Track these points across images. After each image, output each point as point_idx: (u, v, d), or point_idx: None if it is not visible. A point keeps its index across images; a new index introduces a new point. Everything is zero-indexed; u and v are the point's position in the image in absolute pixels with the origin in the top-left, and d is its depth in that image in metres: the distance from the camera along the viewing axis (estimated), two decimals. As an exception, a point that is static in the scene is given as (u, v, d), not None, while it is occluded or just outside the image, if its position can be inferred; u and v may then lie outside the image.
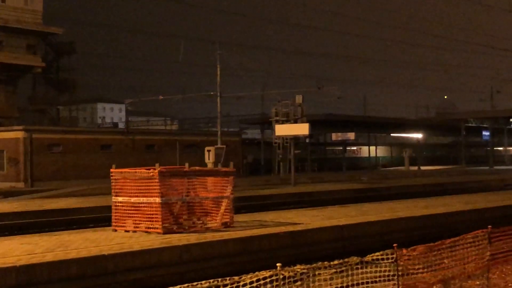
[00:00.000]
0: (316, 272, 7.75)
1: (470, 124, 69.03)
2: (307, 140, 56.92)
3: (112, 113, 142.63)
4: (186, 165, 15.23)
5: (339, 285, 7.88)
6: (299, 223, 16.08)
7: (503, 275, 10.57)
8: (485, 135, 70.10)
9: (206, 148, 33.90)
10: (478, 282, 9.71)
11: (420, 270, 8.76)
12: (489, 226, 9.94)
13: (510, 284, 10.35)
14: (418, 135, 71.84)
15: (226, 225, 15.17)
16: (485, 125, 68.48)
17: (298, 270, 7.45)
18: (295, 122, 35.55)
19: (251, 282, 6.92)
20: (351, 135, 61.60)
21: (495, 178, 43.33)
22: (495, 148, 76.09)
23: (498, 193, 28.70)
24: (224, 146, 36.14)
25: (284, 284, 7.24)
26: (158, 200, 14.04)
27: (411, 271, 8.65)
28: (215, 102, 43.49)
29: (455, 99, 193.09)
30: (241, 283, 6.84)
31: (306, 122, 34.92)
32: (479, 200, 23.37)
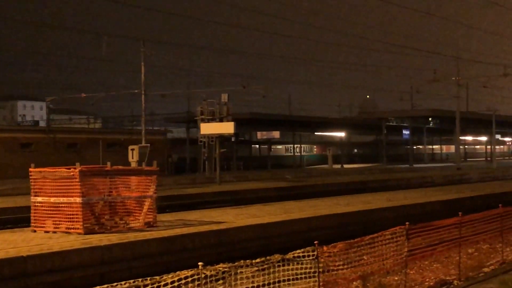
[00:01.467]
0: (238, 271, 7.78)
1: (391, 123, 70.72)
2: (233, 139, 56.98)
3: (33, 111, 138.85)
4: (108, 164, 15.00)
5: (261, 283, 7.94)
6: (223, 222, 16.09)
7: (420, 270, 10.85)
8: (405, 134, 71.97)
9: (130, 147, 33.42)
10: (396, 278, 9.94)
11: (341, 267, 8.91)
12: (407, 223, 10.20)
13: (427, 279, 10.64)
14: (341, 134, 73.13)
15: (149, 225, 15.02)
16: (405, 124, 70.30)
17: (220, 268, 7.45)
18: (221, 120, 35.52)
19: (172, 282, 6.88)
20: (276, 134, 62.09)
21: (414, 175, 44.56)
22: (415, 147, 78.31)
23: (417, 190, 29.55)
24: (149, 145, 35.73)
25: (206, 283, 7.23)
26: (78, 200, 13.77)
27: (331, 267, 8.78)
28: (140, 100, 42.99)
29: (377, 98, 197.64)
30: (162, 283, 6.79)
31: (232, 121, 34.95)
32: (399, 197, 24.00)
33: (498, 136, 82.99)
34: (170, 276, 6.89)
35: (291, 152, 72.77)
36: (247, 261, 7.71)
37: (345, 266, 9.00)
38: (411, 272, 10.43)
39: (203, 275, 7.11)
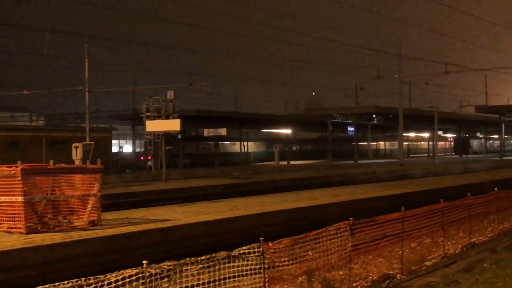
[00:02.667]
0: (184, 268, 7.74)
1: (336, 120, 71.53)
2: (179, 136, 56.68)
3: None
4: (51, 162, 14.75)
5: (206, 280, 7.93)
6: (169, 220, 16.00)
7: (364, 265, 11.00)
8: (350, 130, 72.93)
9: (74, 145, 32.91)
10: (341, 272, 10.05)
11: (286, 263, 8.97)
12: (351, 218, 10.34)
13: (371, 273, 10.80)
14: (288, 131, 73.60)
15: (94, 224, 14.81)
16: (350, 121, 71.19)
17: (165, 266, 7.41)
18: (167, 118, 35.32)
19: (116, 281, 6.80)
20: (223, 131, 62.08)
21: (359, 171, 45.17)
22: (359, 143, 79.38)
23: (362, 186, 29.97)
24: (93, 142, 35.24)
25: (151, 281, 7.17)
26: (20, 199, 13.48)
27: (277, 263, 8.83)
28: (84, 97, 42.41)
29: (322, 95, 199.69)
30: (106, 282, 6.71)
31: (178, 118, 34.79)
32: (343, 193, 24.29)
33: (440, 133, 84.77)
34: (114, 275, 6.81)
35: (238, 149, 72.83)
36: (192, 258, 7.69)
37: (291, 262, 9.07)
38: (355, 266, 10.57)
39: (147, 274, 7.05)
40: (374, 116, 71.99)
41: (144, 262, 7.07)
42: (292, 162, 64.81)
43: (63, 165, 15.64)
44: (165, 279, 7.63)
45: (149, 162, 59.97)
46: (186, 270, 7.76)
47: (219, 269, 8.02)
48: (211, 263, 7.93)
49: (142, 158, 62.39)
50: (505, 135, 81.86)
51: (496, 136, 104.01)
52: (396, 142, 71.73)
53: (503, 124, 73.88)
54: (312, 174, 42.32)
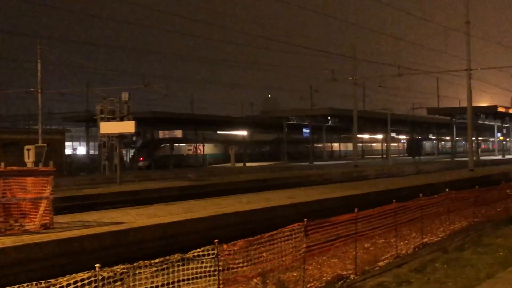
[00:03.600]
0: (137, 271, 7.68)
1: (292, 122, 71.87)
2: (134, 138, 56.22)
3: None
4: (2, 165, 14.48)
5: (160, 283, 7.88)
6: (123, 223, 15.86)
7: (318, 266, 11.06)
8: (305, 132, 73.37)
9: (26, 147, 32.28)
10: (295, 274, 10.10)
11: (240, 265, 8.97)
12: (305, 220, 10.41)
13: (325, 274, 10.87)
14: (244, 133, 73.66)
15: (46, 227, 14.59)
16: (305, 123, 71.63)
17: (118, 270, 7.33)
18: (122, 119, 34.95)
19: (68, 285, 6.71)
20: (178, 133, 61.80)
21: (314, 173, 45.46)
22: (315, 145, 79.93)
23: (317, 187, 30.18)
24: (45, 144, 34.66)
25: (103, 285, 7.10)
26: (-30, 202, 13.19)
27: (231, 265, 8.83)
28: (37, 99, 41.70)
29: (278, 97, 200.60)
30: (57, 286, 6.61)
31: (133, 120, 34.47)
32: (298, 195, 24.43)
33: (393, 134, 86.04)
34: (65, 278, 6.72)
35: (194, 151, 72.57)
36: (146, 261, 7.64)
37: (245, 264, 9.08)
38: (310, 267, 10.63)
39: (100, 277, 6.98)
40: (329, 118, 72.57)
41: (96, 265, 6.99)
42: (248, 164, 64.86)
43: (14, 167, 15.36)
44: (118, 283, 7.55)
45: (140, 163, 61.34)
46: (140, 273, 7.70)
47: (173, 271, 7.99)
48: (164, 266, 7.88)
49: (141, 159, 63.91)
50: (456, 137, 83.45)
51: (448, 138, 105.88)
52: (351, 143, 72.44)
53: (454, 126, 75.27)
54: (268, 175, 42.44)
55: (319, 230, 10.88)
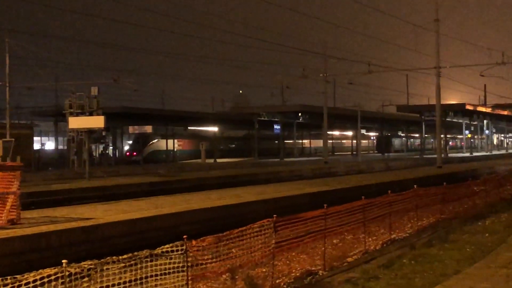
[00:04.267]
0: (105, 267, 7.62)
1: (262, 118, 71.92)
2: (104, 133, 55.78)
3: None
4: (-32, 159, 14.24)
5: (128, 279, 7.83)
6: (92, 218, 15.73)
7: (287, 262, 11.09)
8: (276, 128, 73.44)
9: (-7, 142, 31.91)
10: (264, 269, 10.12)
11: (209, 261, 8.96)
12: (274, 216, 10.42)
13: (294, 270, 10.91)
14: (215, 128, 73.50)
15: (13, 222, 14.40)
16: (276, 119, 71.75)
17: (85, 266, 7.27)
18: (91, 114, 34.63)
19: (35, 281, 6.64)
20: (148, 128, 61.45)
21: (284, 169, 45.58)
22: (285, 141, 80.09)
23: (287, 184, 30.27)
24: (13, 139, 34.23)
25: (71, 281, 7.03)
26: None
27: (200, 261, 8.82)
28: (4, 93, 41.15)
29: (249, 94, 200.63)
30: (24, 282, 6.54)
31: (102, 115, 34.16)
32: (268, 191, 24.48)
33: (363, 131, 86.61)
34: (32, 274, 6.65)
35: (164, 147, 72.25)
36: (114, 257, 7.59)
37: (214, 260, 9.07)
38: (279, 263, 10.66)
39: (67, 273, 6.91)
40: (300, 114, 72.76)
41: (63, 261, 6.92)
42: (219, 160, 64.76)
43: (-20, 162, 15.14)
44: (86, 279, 7.49)
45: (133, 158, 63.17)
46: (107, 269, 7.65)
47: (141, 268, 7.95)
48: (133, 262, 7.84)
49: (134, 153, 66.56)
50: (425, 134, 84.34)
51: (416, 135, 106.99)
52: (321, 140, 72.76)
53: (423, 123, 76.02)
54: (238, 172, 42.43)
55: (288, 226, 10.91)
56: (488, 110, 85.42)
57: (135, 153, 66.90)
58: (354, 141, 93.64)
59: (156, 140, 68.31)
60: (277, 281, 10.23)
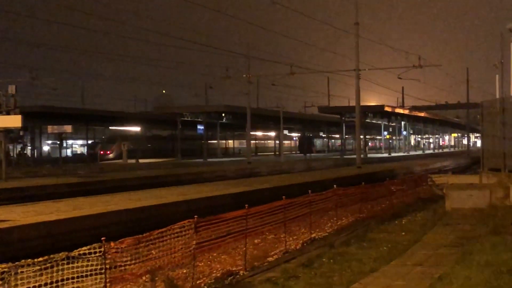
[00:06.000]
0: (19, 271, 7.43)
1: (186, 118, 71.61)
2: (21, 133, 54.25)
3: None
4: None
5: (43, 282, 7.65)
6: (7, 221, 15.27)
7: (209, 262, 11.10)
8: (199, 128, 73.28)
9: None
10: (185, 271, 10.08)
11: (128, 262, 8.86)
12: (195, 216, 10.41)
13: (215, 271, 10.92)
14: (137, 128, 72.66)
15: None
16: (200, 120, 71.59)
17: (-1, 269, 7.07)
18: (8, 113, 33.58)
19: None
20: (68, 128, 60.02)
21: (207, 170, 45.49)
22: (209, 142, 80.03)
23: (210, 184, 30.24)
24: None
25: (-17, 285, 6.83)
26: None
27: (119, 263, 8.70)
28: None
29: (173, 93, 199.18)
30: None
31: (19, 114, 33.20)
32: (191, 191, 24.40)
33: (285, 132, 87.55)
34: None
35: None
36: (29, 260, 7.40)
37: (134, 262, 8.97)
38: (200, 264, 10.65)
39: (-21, 277, 6.69)
40: (223, 115, 72.86)
41: (-25, 265, 6.70)
42: (141, 160, 63.99)
43: None
44: (0, 282, 7.28)
45: (110, 155, 64.69)
46: (22, 272, 7.45)
47: (58, 270, 7.78)
48: (49, 265, 7.66)
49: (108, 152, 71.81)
50: (345, 135, 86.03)
51: (337, 136, 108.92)
52: (245, 140, 73.08)
53: (343, 124, 77.52)
54: (160, 172, 42.06)
55: (210, 227, 10.91)
56: (406, 111, 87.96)
57: (108, 152, 71.99)
58: (277, 142, 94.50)
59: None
60: (197, 282, 10.22)
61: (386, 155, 79.49)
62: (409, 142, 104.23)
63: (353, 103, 55.88)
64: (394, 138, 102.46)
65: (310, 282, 10.44)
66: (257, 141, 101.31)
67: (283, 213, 13.77)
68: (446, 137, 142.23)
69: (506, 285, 9.08)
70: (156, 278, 9.32)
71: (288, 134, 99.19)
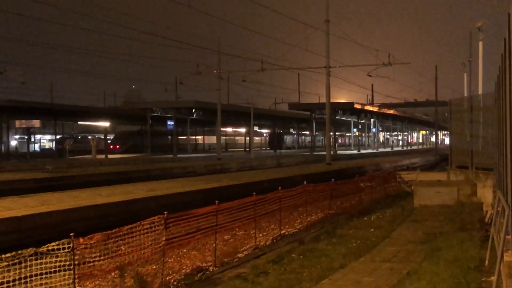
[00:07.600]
0: (-14, 267, 7.32)
1: (156, 114, 71.19)
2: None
3: None
4: None
5: (11, 278, 7.55)
6: (-27, 216, 15.03)
7: (178, 258, 11.06)
8: (169, 124, 72.94)
9: None
10: (154, 266, 10.04)
11: (97, 258, 8.81)
12: (165, 212, 10.37)
13: (184, 267, 10.90)
14: (106, 124, 72.09)
15: None
16: (170, 115, 71.23)
17: (-35, 265, 6.96)
18: (-27, 107, 33.11)
19: None
20: (36, 123, 59.36)
21: (177, 165, 45.29)
22: (179, 137, 79.69)
23: (180, 180, 30.15)
24: None
25: None
26: None
27: (88, 259, 8.64)
28: None
29: (142, 89, 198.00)
30: None
31: (-14, 108, 32.75)
32: (160, 187, 24.29)
33: (256, 128, 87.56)
34: None
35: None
36: (-5, 256, 7.30)
37: (103, 258, 8.92)
38: (170, 260, 10.61)
39: None
40: (193, 110, 72.60)
41: None
42: (110, 156, 63.47)
43: None
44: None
45: (117, 150, 65.82)
46: (-11, 268, 7.35)
47: (26, 266, 7.69)
48: (16, 261, 7.57)
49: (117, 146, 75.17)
50: (315, 132, 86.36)
51: (307, 132, 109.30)
52: (215, 136, 72.93)
53: (313, 121, 77.78)
54: (130, 168, 41.76)
55: (180, 223, 10.89)
56: (375, 109, 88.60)
57: (118, 146, 75.44)
58: (247, 138, 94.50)
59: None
60: (167, 278, 10.19)
61: (355, 152, 80.00)
62: (378, 139, 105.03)
63: (323, 100, 56.00)
64: (363, 135, 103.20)
65: (280, 278, 10.47)
66: (227, 137, 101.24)
67: (253, 209, 13.80)
68: (415, 135, 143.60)
69: (473, 281, 9.20)
70: (125, 274, 9.26)
71: (258, 130, 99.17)
